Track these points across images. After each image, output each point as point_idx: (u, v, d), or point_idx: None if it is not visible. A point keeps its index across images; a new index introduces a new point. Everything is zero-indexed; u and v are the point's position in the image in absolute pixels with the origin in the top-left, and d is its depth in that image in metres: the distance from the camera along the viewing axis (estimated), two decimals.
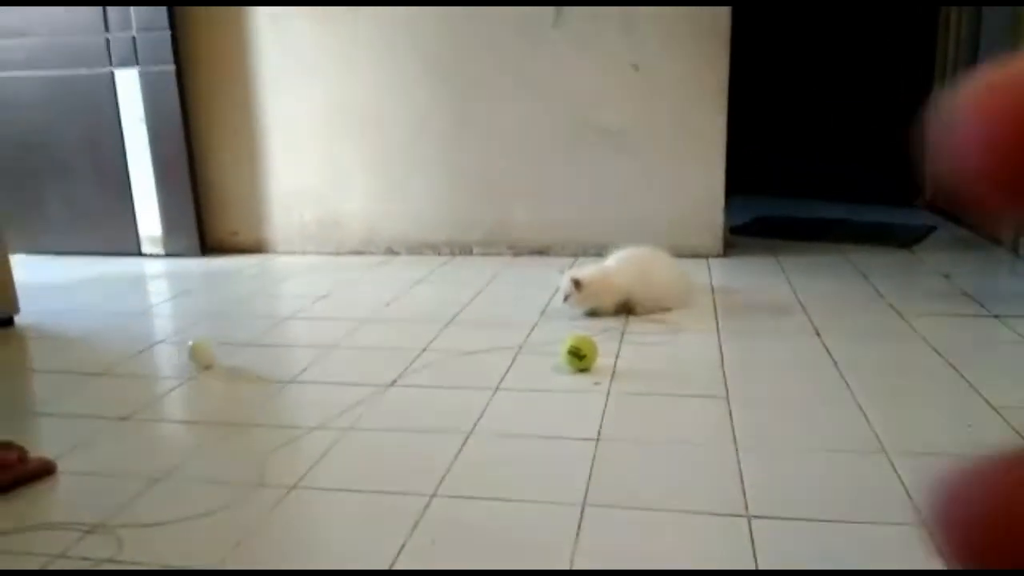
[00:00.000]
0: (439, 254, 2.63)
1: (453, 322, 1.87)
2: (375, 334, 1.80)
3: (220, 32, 2.56)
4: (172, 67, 2.51)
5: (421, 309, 1.98)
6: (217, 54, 2.58)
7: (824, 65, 3.44)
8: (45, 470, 1.16)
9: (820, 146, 3.49)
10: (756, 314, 1.86)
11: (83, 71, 2.55)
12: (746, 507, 1.02)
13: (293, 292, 2.21)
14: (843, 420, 1.28)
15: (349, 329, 1.83)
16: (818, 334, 1.70)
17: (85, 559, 0.96)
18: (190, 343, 1.60)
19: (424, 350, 1.67)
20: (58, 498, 1.12)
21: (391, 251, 2.66)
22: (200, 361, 1.58)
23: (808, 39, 3.46)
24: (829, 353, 1.58)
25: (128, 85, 2.54)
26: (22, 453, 1.14)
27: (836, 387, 1.41)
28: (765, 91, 3.41)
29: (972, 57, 2.89)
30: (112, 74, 2.54)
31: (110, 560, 0.95)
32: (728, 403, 1.35)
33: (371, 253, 2.66)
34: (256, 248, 2.73)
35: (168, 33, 2.48)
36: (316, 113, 2.60)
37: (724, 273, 2.27)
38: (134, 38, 2.50)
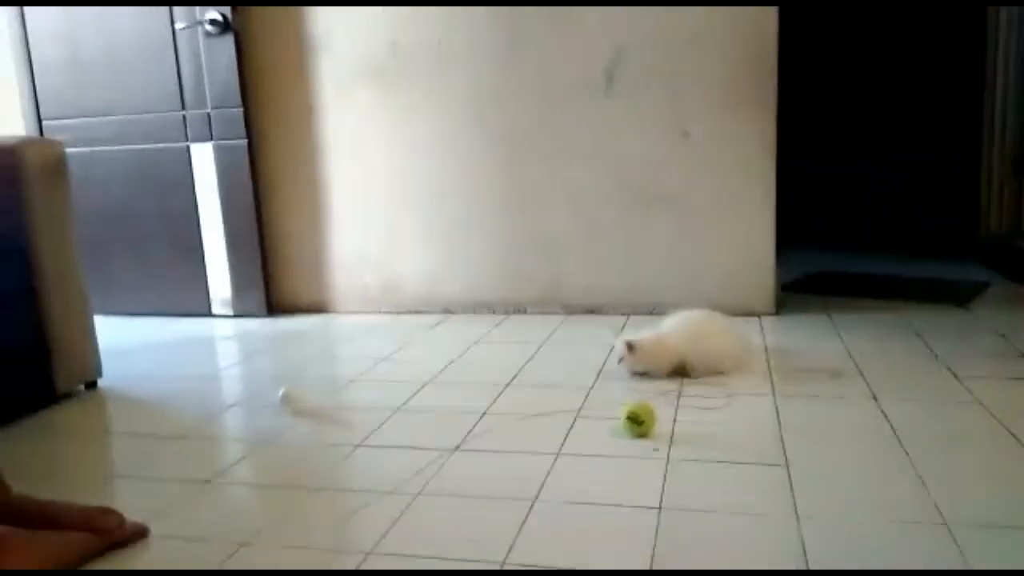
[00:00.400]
0: (494, 313, 2.71)
1: (511, 385, 1.93)
2: (437, 397, 1.87)
3: (288, 105, 2.72)
4: (244, 141, 2.66)
5: (479, 371, 2.05)
6: (285, 127, 2.74)
7: (871, 111, 3.48)
8: (140, 534, 1.24)
9: (874, 198, 3.51)
10: (811, 376, 1.88)
11: (161, 145, 2.72)
12: None
13: (356, 354, 2.30)
14: (904, 491, 1.29)
15: (411, 391, 1.90)
16: (875, 398, 1.72)
17: None
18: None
19: (485, 413, 1.73)
20: (152, 563, 1.19)
21: (447, 311, 2.75)
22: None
23: (852, 79, 3.50)
24: (887, 419, 1.60)
25: (203, 158, 2.70)
26: (120, 519, 1.22)
27: (895, 455, 1.43)
28: (811, 138, 3.46)
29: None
30: (188, 148, 2.71)
31: None
32: (788, 471, 1.38)
33: (428, 312, 2.75)
34: (319, 308, 2.84)
35: (240, 110, 2.64)
36: (377, 180, 2.72)
37: (777, 332, 2.30)
38: (209, 115, 2.67)
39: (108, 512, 1.22)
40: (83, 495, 1.37)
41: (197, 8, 2.60)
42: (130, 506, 1.27)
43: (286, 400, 1.81)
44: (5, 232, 1.85)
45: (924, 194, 3.37)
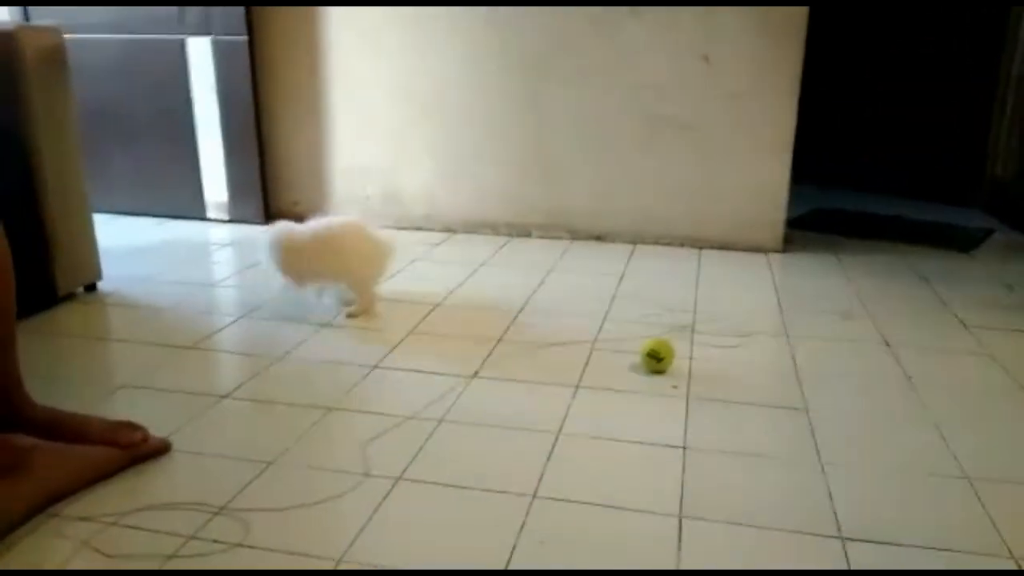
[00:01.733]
0: (497, 234, 2.67)
1: (523, 311, 1.91)
2: (449, 320, 1.85)
3: (293, 7, 2.58)
4: (244, 37, 2.53)
5: (488, 296, 2.03)
6: (290, 27, 2.60)
7: (893, 58, 3.41)
8: (163, 450, 1.23)
9: (878, 138, 3.47)
10: (824, 319, 1.89)
11: (156, 36, 2.58)
12: (838, 528, 1.07)
13: None
14: (923, 441, 1.32)
15: (421, 313, 1.88)
16: (887, 344, 1.73)
17: (217, 541, 1.02)
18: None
19: (499, 340, 1.72)
20: (178, 478, 1.18)
21: (449, 229, 2.70)
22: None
23: (879, 33, 3.42)
24: (901, 366, 1.62)
25: (200, 53, 2.57)
26: (144, 434, 1.20)
27: (912, 405, 1.45)
28: (830, 80, 3.39)
29: None
30: (184, 41, 2.57)
31: (240, 544, 1.02)
32: (808, 416, 1.39)
33: (430, 230, 2.70)
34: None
35: (242, 6, 2.50)
36: (383, 90, 2.62)
37: (785, 271, 2.30)
38: (208, 7, 2.52)
39: (132, 426, 1.20)
40: (92, 405, 1.35)
41: None
42: (145, 419, 1.25)
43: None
44: (3, 125, 1.75)
45: (930, 136, 3.34)
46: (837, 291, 2.10)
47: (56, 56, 1.82)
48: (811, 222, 2.84)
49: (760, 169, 2.45)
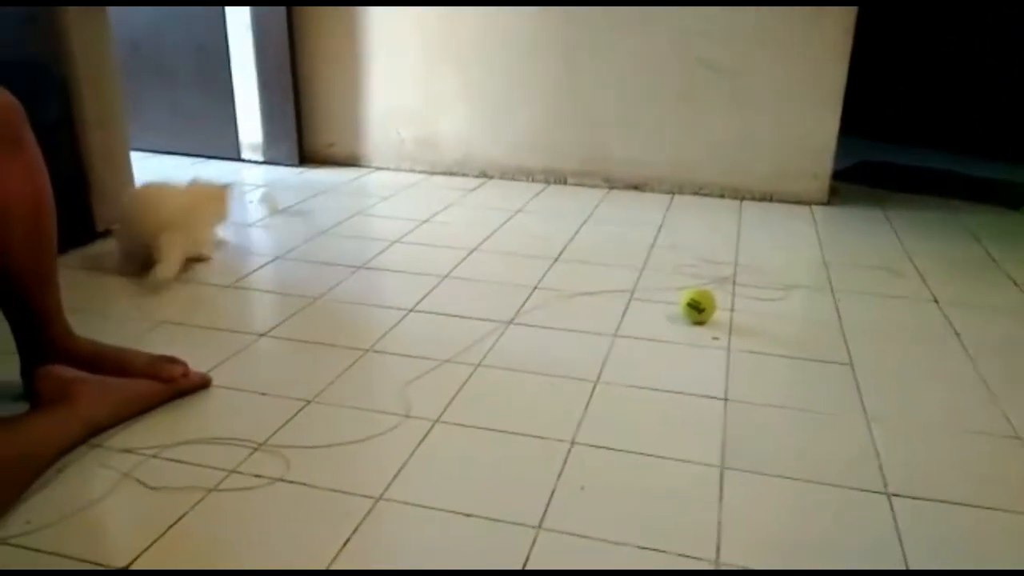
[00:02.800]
0: (533, 180, 2.63)
1: (560, 259, 1.89)
2: (485, 265, 1.83)
3: None
4: None
5: (524, 242, 2.00)
6: None
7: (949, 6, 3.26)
8: (203, 384, 1.23)
9: (929, 90, 3.35)
10: (869, 273, 1.84)
11: None
12: (884, 484, 1.05)
13: (395, 212, 2.24)
14: (973, 400, 1.28)
15: (458, 258, 1.86)
16: (936, 300, 1.69)
17: (258, 476, 1.03)
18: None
19: (536, 288, 1.70)
20: (219, 413, 1.19)
21: (485, 174, 2.67)
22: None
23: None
24: (950, 323, 1.57)
25: None
26: (185, 368, 1.21)
27: (961, 363, 1.41)
28: (883, 29, 3.26)
29: None
30: None
31: (281, 479, 1.03)
32: (853, 370, 1.36)
33: (464, 175, 2.67)
34: (351, 161, 2.76)
35: None
36: (420, 32, 2.56)
37: (830, 224, 2.24)
38: None
39: (173, 361, 1.20)
40: (132, 340, 1.36)
41: None
42: (184, 355, 1.25)
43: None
44: (40, 57, 1.74)
45: (982, 89, 3.21)
46: (884, 246, 2.05)
47: None
48: (857, 175, 2.76)
49: (807, 119, 2.37)
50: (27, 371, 1.16)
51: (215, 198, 1.86)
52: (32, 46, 1.73)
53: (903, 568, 0.90)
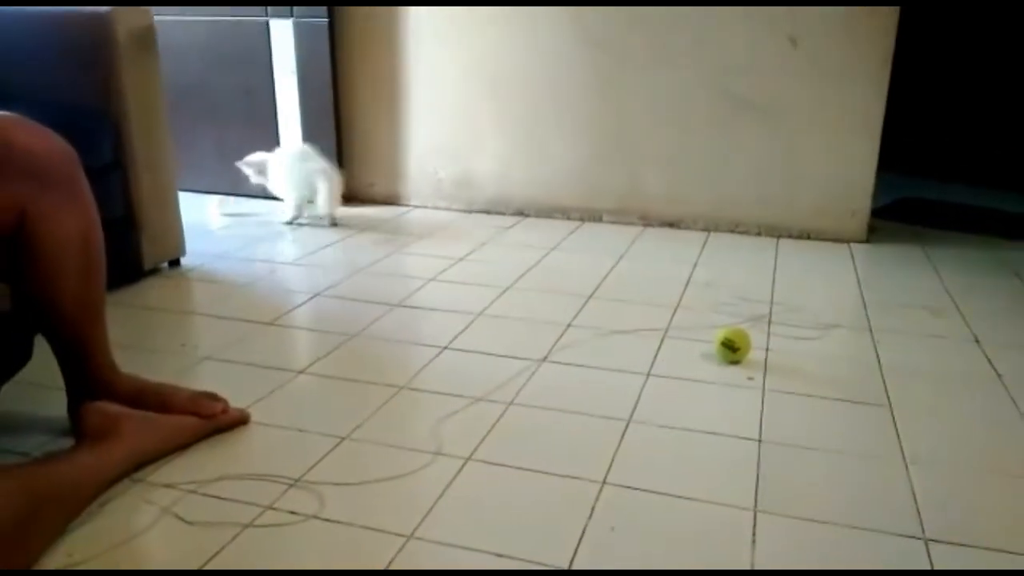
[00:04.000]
0: (568, 219, 2.65)
1: (594, 297, 1.90)
2: (518, 303, 1.85)
3: None
4: (326, 20, 2.57)
5: (559, 280, 2.02)
6: (369, 9, 2.62)
7: (987, 41, 3.24)
8: (242, 421, 1.26)
9: (970, 125, 3.31)
10: (909, 313, 1.82)
11: (240, 18, 2.64)
12: (922, 529, 1.03)
13: (432, 251, 2.28)
14: (1015, 443, 1.25)
15: (492, 296, 1.88)
16: (977, 341, 1.65)
17: (293, 512, 1.05)
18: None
19: (569, 325, 1.71)
20: (256, 449, 1.22)
21: (521, 213, 2.70)
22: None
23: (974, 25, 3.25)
24: (992, 364, 1.54)
25: (282, 33, 2.62)
26: (225, 405, 1.24)
27: (1003, 404, 1.38)
28: (921, 63, 3.24)
29: None
30: (268, 23, 2.62)
31: (315, 516, 1.04)
32: (891, 412, 1.34)
33: (501, 213, 2.70)
34: (390, 200, 2.81)
35: None
36: (459, 72, 2.62)
37: (869, 263, 2.21)
38: None
39: (213, 397, 1.23)
40: (175, 376, 1.39)
41: None
42: (225, 391, 1.28)
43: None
44: (95, 104, 1.82)
45: (1020, 124, 3.16)
46: (924, 285, 2.02)
47: (146, 37, 1.88)
48: (897, 212, 2.73)
49: (845, 156, 2.36)
50: (73, 406, 1.20)
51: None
52: (86, 92, 1.82)
53: None
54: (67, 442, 1.17)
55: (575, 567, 0.95)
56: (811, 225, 2.44)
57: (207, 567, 0.94)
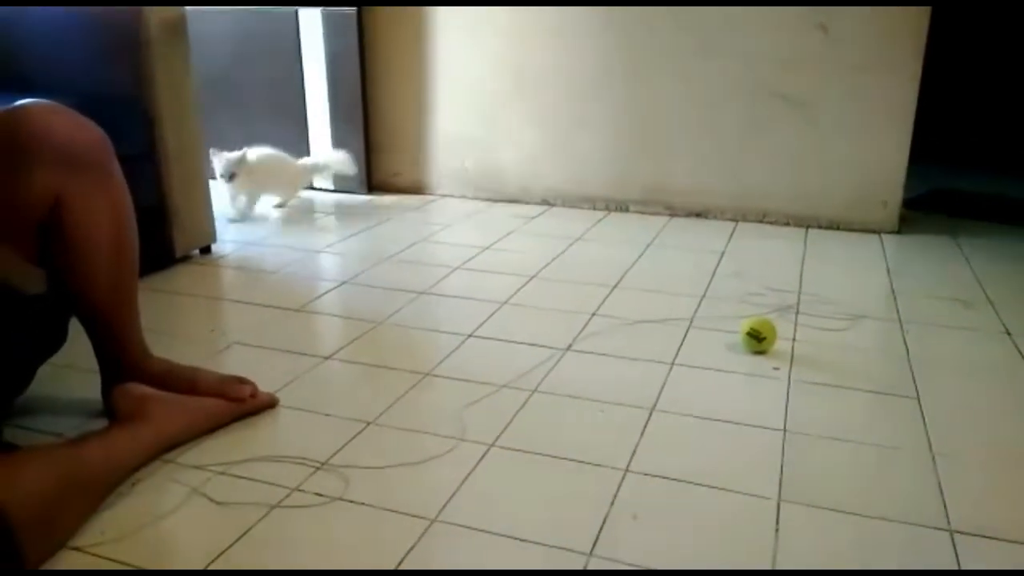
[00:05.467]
0: (594, 208, 2.65)
1: (619, 286, 1.89)
2: (543, 292, 1.85)
3: None
4: (354, 9, 2.58)
5: (584, 269, 2.02)
6: None
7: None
8: (270, 405, 1.28)
9: (1005, 114, 3.25)
10: (939, 304, 1.79)
11: (269, 8, 2.66)
12: (948, 521, 1.02)
13: (458, 240, 2.29)
14: None
15: (517, 285, 1.89)
16: (1008, 333, 1.63)
17: (319, 494, 1.06)
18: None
19: (594, 315, 1.71)
20: (284, 432, 1.24)
21: (546, 202, 2.70)
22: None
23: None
24: (1022, 357, 1.52)
25: (311, 23, 2.64)
26: (253, 389, 1.26)
27: None
28: (954, 52, 3.18)
29: None
30: (296, 12, 2.64)
31: (341, 498, 1.06)
32: (919, 404, 1.33)
33: (527, 202, 2.70)
34: (416, 190, 2.82)
35: None
36: (486, 62, 2.62)
37: (899, 253, 2.18)
38: None
39: (242, 381, 1.25)
40: (205, 360, 1.42)
41: None
42: (253, 375, 1.30)
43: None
44: (127, 93, 1.85)
45: None
46: (955, 276, 1.99)
47: (177, 27, 1.90)
48: (929, 203, 2.69)
49: (876, 145, 2.33)
50: (106, 389, 1.22)
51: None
52: (119, 81, 1.85)
53: None
54: (100, 423, 1.20)
55: (597, 554, 0.95)
56: (841, 215, 2.41)
57: (235, 546, 0.96)
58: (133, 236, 1.20)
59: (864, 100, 2.30)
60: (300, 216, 2.52)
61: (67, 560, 0.93)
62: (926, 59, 2.22)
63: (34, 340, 1.17)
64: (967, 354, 1.55)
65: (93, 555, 0.94)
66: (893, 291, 1.88)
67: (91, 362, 1.24)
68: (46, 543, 0.92)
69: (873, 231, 2.37)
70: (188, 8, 1.94)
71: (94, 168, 1.11)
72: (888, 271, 2.03)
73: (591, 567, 0.93)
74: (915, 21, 2.20)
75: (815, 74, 2.32)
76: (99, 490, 1.03)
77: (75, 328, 1.22)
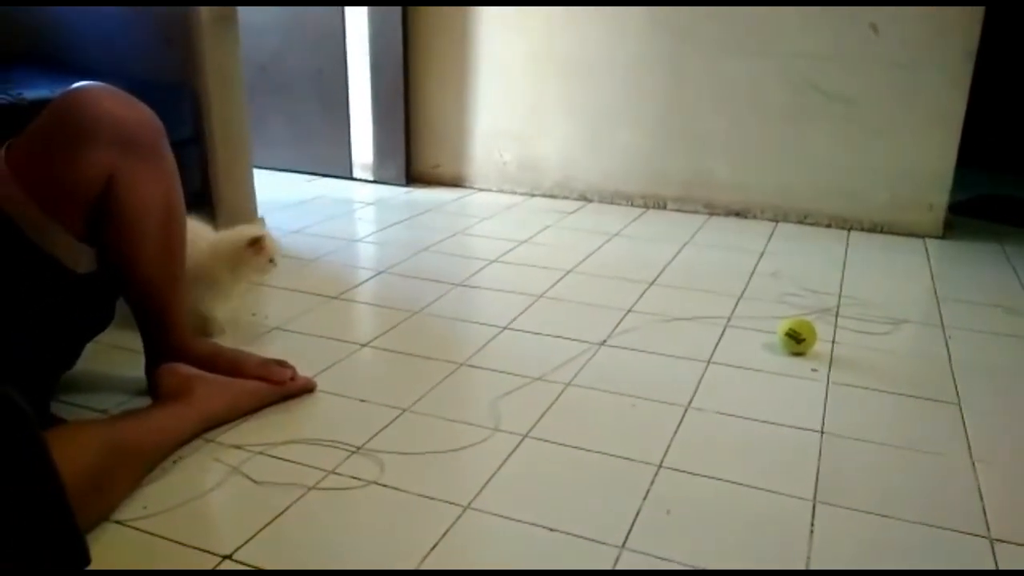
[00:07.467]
0: (632, 205, 2.64)
1: (656, 283, 1.89)
2: (579, 287, 1.85)
3: None
4: (399, 6, 2.60)
5: (621, 265, 2.01)
6: None
7: None
8: (308, 388, 1.30)
9: None
10: (983, 310, 1.76)
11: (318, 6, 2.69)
12: (987, 528, 1.00)
13: (495, 233, 2.29)
14: None
15: (554, 279, 1.89)
16: None
17: (354, 477, 1.08)
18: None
19: (629, 311, 1.71)
20: (321, 416, 1.25)
21: (584, 198, 2.69)
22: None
23: None
24: None
25: (357, 15, 2.66)
26: (293, 372, 1.28)
27: None
28: (1006, 54, 3.11)
29: None
30: (343, 10, 2.67)
31: (375, 482, 1.07)
32: (960, 410, 1.30)
33: (564, 198, 2.70)
34: (455, 182, 2.84)
35: None
36: (527, 57, 2.62)
37: (944, 258, 2.15)
38: None
39: (283, 364, 1.28)
40: (247, 343, 1.44)
41: None
42: (292, 360, 1.32)
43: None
44: (177, 79, 1.89)
45: None
46: (1000, 282, 1.95)
47: (228, 15, 1.93)
48: (975, 208, 2.63)
49: (923, 148, 2.29)
50: (151, 368, 1.25)
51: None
52: (169, 67, 1.88)
53: None
54: (144, 401, 1.23)
55: (629, 547, 0.95)
56: (885, 218, 2.37)
57: (272, 525, 0.98)
58: (182, 217, 1.22)
59: (912, 101, 2.26)
60: (340, 206, 2.55)
61: (109, 533, 0.96)
62: (978, 61, 2.18)
63: (83, 318, 1.20)
64: (1011, 361, 1.52)
65: (135, 528, 0.97)
66: (936, 296, 1.85)
67: (136, 342, 1.27)
68: (93, 512, 0.94)
69: (917, 235, 2.33)
70: None
71: (146, 148, 1.14)
72: (932, 276, 1.99)
73: (623, 560, 0.93)
74: (967, 21, 2.15)
75: (861, 73, 2.29)
76: (143, 464, 1.05)
77: (121, 308, 1.25)
